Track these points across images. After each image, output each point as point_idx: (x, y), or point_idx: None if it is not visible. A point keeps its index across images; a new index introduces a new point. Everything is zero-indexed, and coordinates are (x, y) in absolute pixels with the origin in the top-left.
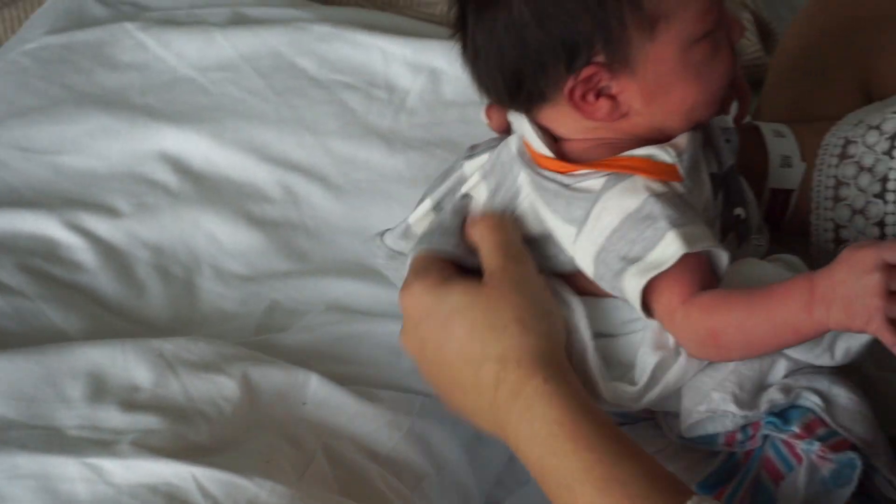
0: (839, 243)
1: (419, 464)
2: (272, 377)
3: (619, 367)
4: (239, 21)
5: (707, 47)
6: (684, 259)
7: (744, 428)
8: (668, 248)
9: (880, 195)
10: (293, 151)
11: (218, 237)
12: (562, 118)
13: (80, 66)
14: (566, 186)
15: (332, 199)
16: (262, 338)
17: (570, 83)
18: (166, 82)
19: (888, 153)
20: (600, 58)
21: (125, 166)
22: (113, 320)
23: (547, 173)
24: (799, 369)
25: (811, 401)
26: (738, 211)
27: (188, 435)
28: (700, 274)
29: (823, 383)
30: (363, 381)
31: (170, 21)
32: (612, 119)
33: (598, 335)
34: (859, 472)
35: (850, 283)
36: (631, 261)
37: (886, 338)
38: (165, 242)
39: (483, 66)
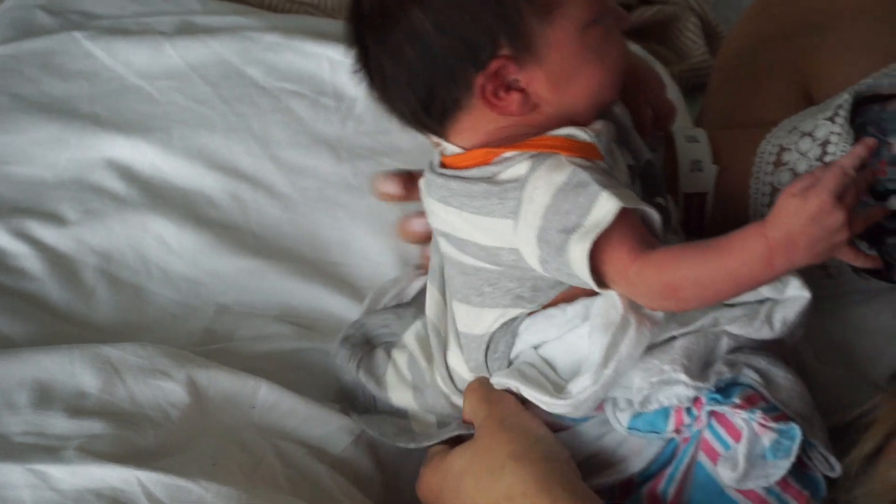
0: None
1: (369, 468)
2: (220, 382)
3: (571, 366)
4: (187, 30)
5: (601, 30)
6: (623, 216)
7: (689, 410)
8: (604, 206)
9: (820, 159)
10: (241, 159)
11: (166, 239)
12: (477, 123)
13: (28, 76)
14: (493, 182)
15: (279, 206)
16: (212, 347)
17: (480, 80)
18: (114, 91)
19: (820, 159)
20: (505, 50)
21: (73, 174)
22: (61, 327)
23: (472, 172)
24: (738, 348)
25: (751, 377)
26: (659, 199)
27: (134, 440)
28: (642, 231)
29: (761, 362)
30: (311, 393)
31: (118, 30)
32: (525, 112)
33: (542, 343)
34: (798, 444)
35: (812, 231)
36: (571, 230)
37: (852, 258)
38: (113, 247)
39: (393, 87)
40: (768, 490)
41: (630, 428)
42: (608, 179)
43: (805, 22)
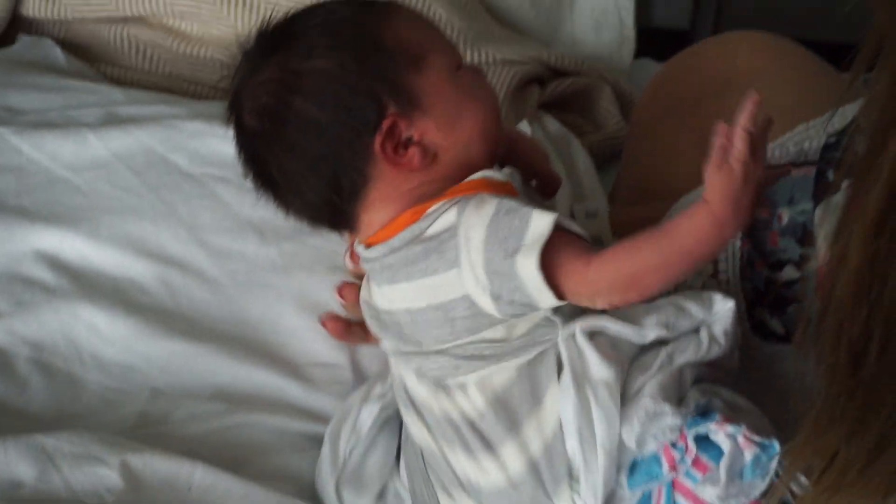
0: None
1: None
2: (155, 465)
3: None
4: (111, 120)
5: (468, 74)
6: (560, 231)
7: (674, 445)
8: (540, 221)
9: (714, 275)
10: (169, 245)
11: (98, 327)
12: (389, 191)
13: None
14: (426, 238)
15: (208, 290)
16: (149, 430)
17: (377, 143)
18: (41, 183)
19: None
20: (392, 108)
21: (2, 268)
22: None
23: (402, 235)
24: (699, 381)
25: (720, 406)
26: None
27: None
28: (582, 241)
29: (725, 392)
30: (250, 469)
31: (43, 123)
32: (427, 163)
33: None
34: (776, 461)
35: (748, 190)
36: (514, 252)
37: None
38: (45, 337)
39: (300, 183)
40: None
41: (631, 487)
42: (535, 203)
43: (709, 88)
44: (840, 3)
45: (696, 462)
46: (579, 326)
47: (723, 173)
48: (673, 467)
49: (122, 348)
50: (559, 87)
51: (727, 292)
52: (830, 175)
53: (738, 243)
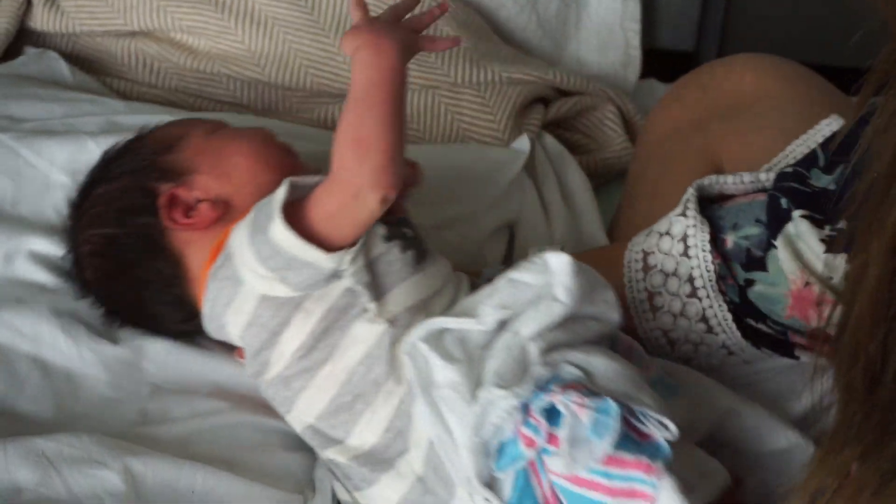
0: (673, 345)
1: None
2: (157, 468)
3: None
4: (111, 129)
5: (227, 129)
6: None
7: (527, 423)
8: (279, 191)
9: (692, 294)
10: None
11: (95, 325)
12: (201, 257)
13: None
14: (216, 277)
15: None
16: (149, 429)
17: (164, 220)
18: (39, 189)
19: (685, 254)
20: (165, 186)
21: None
22: None
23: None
24: (554, 348)
25: (570, 372)
26: (406, 231)
27: None
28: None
29: (578, 356)
30: (250, 466)
31: (44, 130)
32: (220, 214)
33: None
34: (617, 417)
35: (373, 38)
36: (265, 228)
37: (430, 46)
38: (44, 333)
39: (142, 290)
40: (606, 474)
41: (500, 469)
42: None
43: (716, 110)
44: (845, 27)
45: (550, 436)
46: (417, 334)
47: (347, 41)
48: (530, 444)
49: (123, 345)
50: (564, 107)
51: (710, 310)
52: (784, 203)
53: (710, 256)
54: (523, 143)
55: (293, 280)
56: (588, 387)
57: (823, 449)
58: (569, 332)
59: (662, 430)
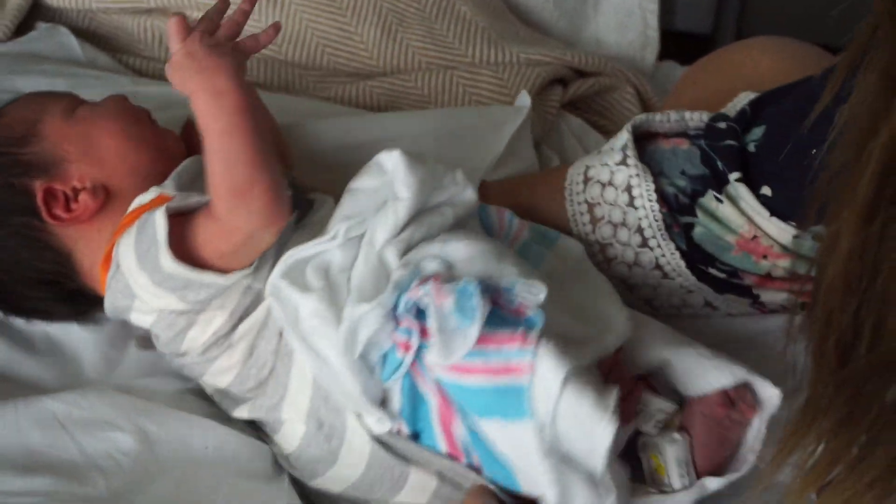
0: (609, 261)
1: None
2: (170, 426)
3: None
4: None
5: (86, 107)
6: (177, 219)
7: (397, 327)
8: (159, 219)
9: (643, 244)
10: None
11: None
12: (92, 249)
13: None
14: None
15: None
16: (152, 379)
17: (44, 212)
18: None
19: (630, 204)
20: (37, 182)
21: None
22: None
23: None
24: (412, 247)
25: (429, 266)
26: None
27: (85, 492)
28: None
29: (435, 247)
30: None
31: None
32: (102, 203)
33: None
34: (478, 295)
35: (200, 59)
36: (156, 257)
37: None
38: None
39: (25, 298)
40: (482, 353)
41: (385, 380)
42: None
43: (732, 89)
44: (862, 9)
45: (422, 333)
46: (276, 272)
47: (172, 65)
48: (407, 348)
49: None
50: (582, 88)
51: (663, 258)
52: (720, 165)
53: (657, 206)
54: (524, 99)
55: (192, 298)
56: (446, 275)
57: (795, 420)
58: (424, 226)
59: (532, 294)
